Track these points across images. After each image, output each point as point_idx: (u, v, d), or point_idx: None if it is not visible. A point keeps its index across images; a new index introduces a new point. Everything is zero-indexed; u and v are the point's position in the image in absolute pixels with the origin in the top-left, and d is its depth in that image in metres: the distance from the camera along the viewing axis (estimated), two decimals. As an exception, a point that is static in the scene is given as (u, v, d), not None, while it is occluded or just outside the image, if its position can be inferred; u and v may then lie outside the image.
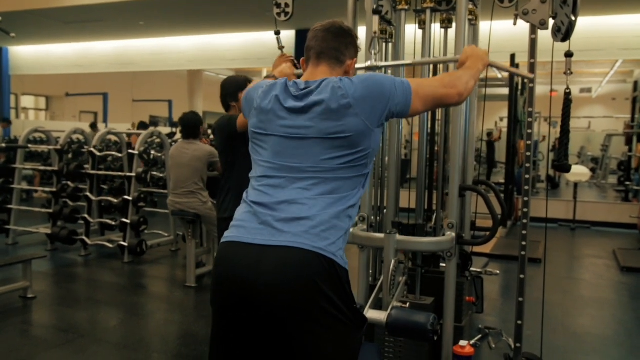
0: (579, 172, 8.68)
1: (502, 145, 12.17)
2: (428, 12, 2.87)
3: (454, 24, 2.84)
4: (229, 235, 1.58)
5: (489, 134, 13.22)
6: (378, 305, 2.45)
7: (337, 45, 1.72)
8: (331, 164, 1.55)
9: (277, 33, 3.17)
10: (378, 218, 3.13)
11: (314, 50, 1.73)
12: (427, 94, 1.67)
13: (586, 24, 7.45)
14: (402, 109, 1.63)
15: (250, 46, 10.65)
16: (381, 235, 2.53)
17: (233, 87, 3.29)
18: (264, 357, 1.53)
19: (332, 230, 1.53)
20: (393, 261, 2.42)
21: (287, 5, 3.13)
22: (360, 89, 1.57)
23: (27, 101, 19.37)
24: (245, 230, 1.55)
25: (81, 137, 8.40)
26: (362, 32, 2.82)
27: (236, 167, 3.13)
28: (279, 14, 3.14)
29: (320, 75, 1.69)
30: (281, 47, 3.14)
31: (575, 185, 8.62)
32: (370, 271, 3.08)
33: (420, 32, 3.05)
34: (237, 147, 3.05)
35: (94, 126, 12.39)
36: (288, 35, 9.43)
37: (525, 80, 3.51)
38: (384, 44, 3.18)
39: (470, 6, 2.99)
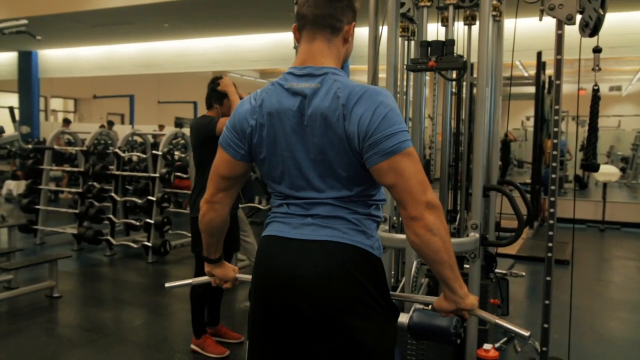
0: (608, 171, 8.49)
1: (528, 144, 11.99)
2: (451, 8, 2.81)
3: (477, 21, 2.78)
4: (271, 229, 1.59)
5: (505, 135, 13.05)
6: (400, 308, 2.41)
7: (331, 12, 1.53)
8: (347, 169, 1.50)
9: None
10: (400, 219, 3.09)
11: (307, 19, 1.55)
12: (406, 170, 1.39)
13: (615, 19, 7.28)
14: (374, 159, 1.41)
15: (274, 47, 10.67)
16: (403, 236, 2.49)
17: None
18: (305, 352, 1.53)
19: (367, 222, 1.53)
20: (415, 262, 2.38)
21: (307, 4, 3.10)
22: (368, 115, 1.42)
23: (56, 103, 19.74)
24: (286, 226, 1.55)
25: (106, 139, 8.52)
26: (384, 31, 2.79)
27: (208, 166, 3.21)
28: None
29: (318, 52, 1.53)
30: (296, 47, 3.13)
31: (605, 185, 8.42)
32: (392, 272, 3.04)
33: (443, 29, 3.00)
34: (210, 148, 3.15)
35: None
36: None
37: (552, 78, 3.43)
38: (406, 42, 3.14)
39: (495, 2, 2.92)
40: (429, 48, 2.51)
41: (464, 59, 2.53)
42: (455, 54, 2.47)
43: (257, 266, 1.60)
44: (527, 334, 1.49)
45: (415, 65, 2.54)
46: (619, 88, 19.12)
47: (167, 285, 1.96)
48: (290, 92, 1.50)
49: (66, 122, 12.21)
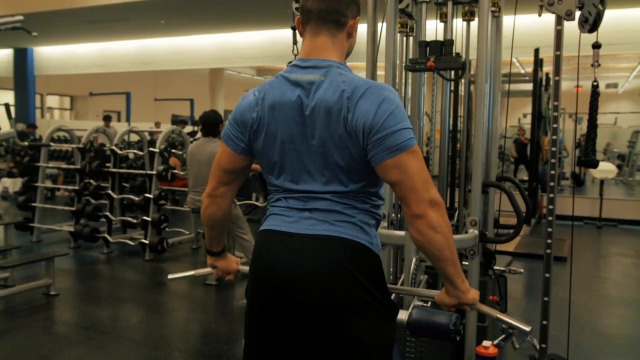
0: (605, 168, 8.50)
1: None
2: (450, 4, 2.80)
3: (476, 17, 2.77)
4: (269, 223, 1.57)
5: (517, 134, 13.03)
6: (399, 305, 2.41)
7: (336, 6, 1.52)
8: (348, 163, 1.49)
9: (294, 28, 3.17)
10: (399, 215, 3.08)
11: (311, 13, 1.53)
12: (411, 168, 1.39)
13: (612, 16, 7.28)
14: (379, 156, 1.41)
15: (271, 44, 10.66)
16: (402, 233, 2.48)
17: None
18: (303, 349, 1.52)
19: (366, 218, 1.53)
20: (414, 259, 2.37)
21: None
22: (372, 110, 1.41)
23: (52, 101, 19.68)
24: (285, 220, 1.53)
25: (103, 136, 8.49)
26: (382, 28, 2.78)
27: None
28: (297, 9, 3.10)
29: (322, 46, 1.53)
30: (295, 42, 3.15)
31: (601, 182, 8.44)
32: (391, 269, 3.03)
33: (441, 25, 2.99)
34: None
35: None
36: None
37: (550, 75, 3.44)
38: (404, 38, 3.13)
39: (493, -2, 2.91)
40: (428, 48, 2.49)
41: (463, 59, 2.50)
42: (454, 54, 2.45)
43: (255, 261, 1.57)
44: (528, 328, 1.52)
45: (414, 66, 2.52)
46: (615, 85, 19.18)
47: (169, 277, 2.02)
48: (294, 84, 1.50)
49: (107, 119, 10.63)
